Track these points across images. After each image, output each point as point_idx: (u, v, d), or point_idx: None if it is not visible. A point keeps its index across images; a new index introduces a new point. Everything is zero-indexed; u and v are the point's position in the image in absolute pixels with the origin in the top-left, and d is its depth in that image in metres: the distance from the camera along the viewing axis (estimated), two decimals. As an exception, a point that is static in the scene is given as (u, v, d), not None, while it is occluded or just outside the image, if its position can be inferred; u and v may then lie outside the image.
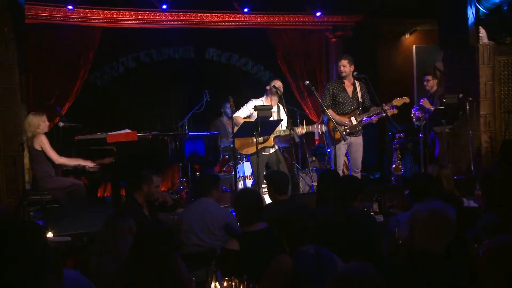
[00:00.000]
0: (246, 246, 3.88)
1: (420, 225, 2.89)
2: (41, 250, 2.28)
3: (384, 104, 7.12)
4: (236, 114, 7.00)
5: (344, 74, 7.33)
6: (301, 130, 7.22)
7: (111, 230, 3.77)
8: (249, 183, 8.02)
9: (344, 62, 7.34)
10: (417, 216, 2.94)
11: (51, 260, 2.33)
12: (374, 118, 7.36)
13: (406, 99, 7.42)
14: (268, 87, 7.21)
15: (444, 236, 2.88)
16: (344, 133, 6.98)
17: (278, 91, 7.06)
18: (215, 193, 4.96)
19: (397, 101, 7.36)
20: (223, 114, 9.26)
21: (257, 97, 7.29)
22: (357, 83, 7.40)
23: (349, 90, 7.37)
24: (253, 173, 7.30)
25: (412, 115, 8.14)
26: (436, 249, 2.86)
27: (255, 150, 6.64)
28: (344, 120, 7.25)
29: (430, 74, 8.51)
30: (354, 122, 7.30)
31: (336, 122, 7.00)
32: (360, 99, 7.38)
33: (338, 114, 7.27)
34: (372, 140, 7.82)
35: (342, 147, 7.26)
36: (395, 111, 7.39)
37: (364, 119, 7.35)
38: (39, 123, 6.51)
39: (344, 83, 7.36)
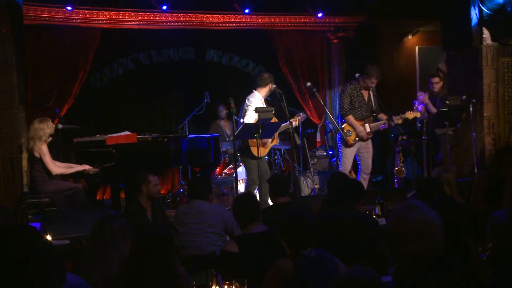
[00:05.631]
0: (245, 248, 3.90)
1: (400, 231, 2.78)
2: (43, 251, 2.20)
3: (395, 116, 7.30)
4: (247, 121, 6.90)
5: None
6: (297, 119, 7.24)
7: (99, 236, 3.55)
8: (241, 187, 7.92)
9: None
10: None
11: (55, 262, 2.25)
12: (383, 127, 7.50)
13: (417, 114, 7.57)
14: (269, 87, 7.13)
15: (428, 238, 2.55)
16: (357, 138, 7.36)
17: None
18: (210, 196, 5.14)
19: (410, 115, 7.46)
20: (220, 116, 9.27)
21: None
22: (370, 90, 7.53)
23: (365, 96, 7.51)
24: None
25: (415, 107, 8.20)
26: (429, 253, 2.65)
27: (267, 151, 6.66)
28: (362, 130, 7.38)
29: (436, 76, 8.48)
30: (368, 130, 7.44)
31: (355, 129, 7.34)
32: (374, 107, 7.51)
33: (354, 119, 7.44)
34: (375, 142, 7.79)
35: (351, 151, 7.44)
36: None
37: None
38: (47, 124, 6.48)
39: (361, 89, 7.46)
